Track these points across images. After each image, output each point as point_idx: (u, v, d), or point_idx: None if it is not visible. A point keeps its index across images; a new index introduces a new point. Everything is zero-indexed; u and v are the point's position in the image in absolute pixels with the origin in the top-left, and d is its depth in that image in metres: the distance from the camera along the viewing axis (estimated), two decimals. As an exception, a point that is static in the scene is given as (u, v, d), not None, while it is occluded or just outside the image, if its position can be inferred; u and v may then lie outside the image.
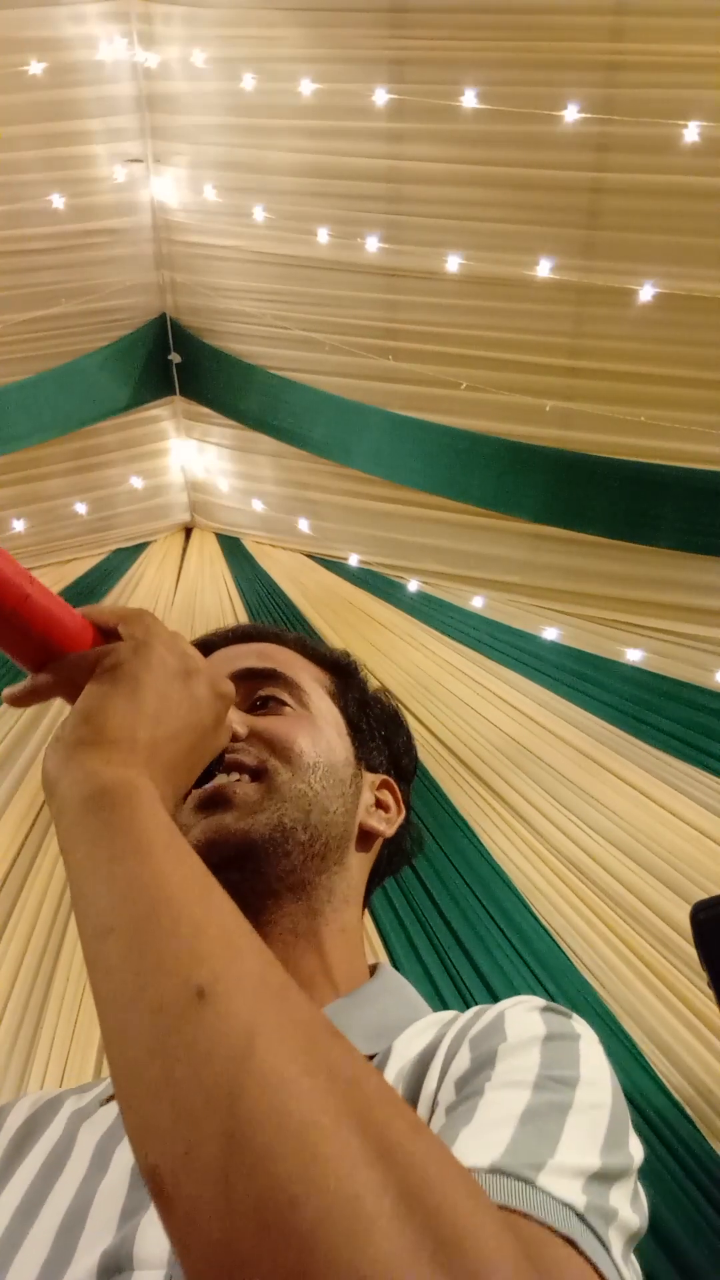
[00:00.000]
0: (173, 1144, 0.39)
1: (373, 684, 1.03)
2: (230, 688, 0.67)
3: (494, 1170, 0.48)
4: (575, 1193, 0.48)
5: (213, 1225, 0.37)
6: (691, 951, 2.24)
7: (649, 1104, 2.63)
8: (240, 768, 0.80)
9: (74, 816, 0.52)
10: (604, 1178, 0.51)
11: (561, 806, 3.26)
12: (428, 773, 3.38)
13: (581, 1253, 0.45)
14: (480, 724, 3.51)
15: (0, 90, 3.01)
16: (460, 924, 3.07)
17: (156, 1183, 0.39)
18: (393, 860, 0.96)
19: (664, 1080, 2.69)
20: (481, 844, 3.27)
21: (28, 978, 3.10)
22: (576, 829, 3.20)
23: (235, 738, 0.81)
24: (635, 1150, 0.57)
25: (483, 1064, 0.59)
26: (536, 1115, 0.53)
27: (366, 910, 0.92)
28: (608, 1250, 0.47)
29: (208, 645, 0.97)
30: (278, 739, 0.82)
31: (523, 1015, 0.64)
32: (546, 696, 3.50)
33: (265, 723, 0.84)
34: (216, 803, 0.78)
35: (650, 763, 3.23)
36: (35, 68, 2.98)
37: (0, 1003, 3.04)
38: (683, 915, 2.54)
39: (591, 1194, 0.49)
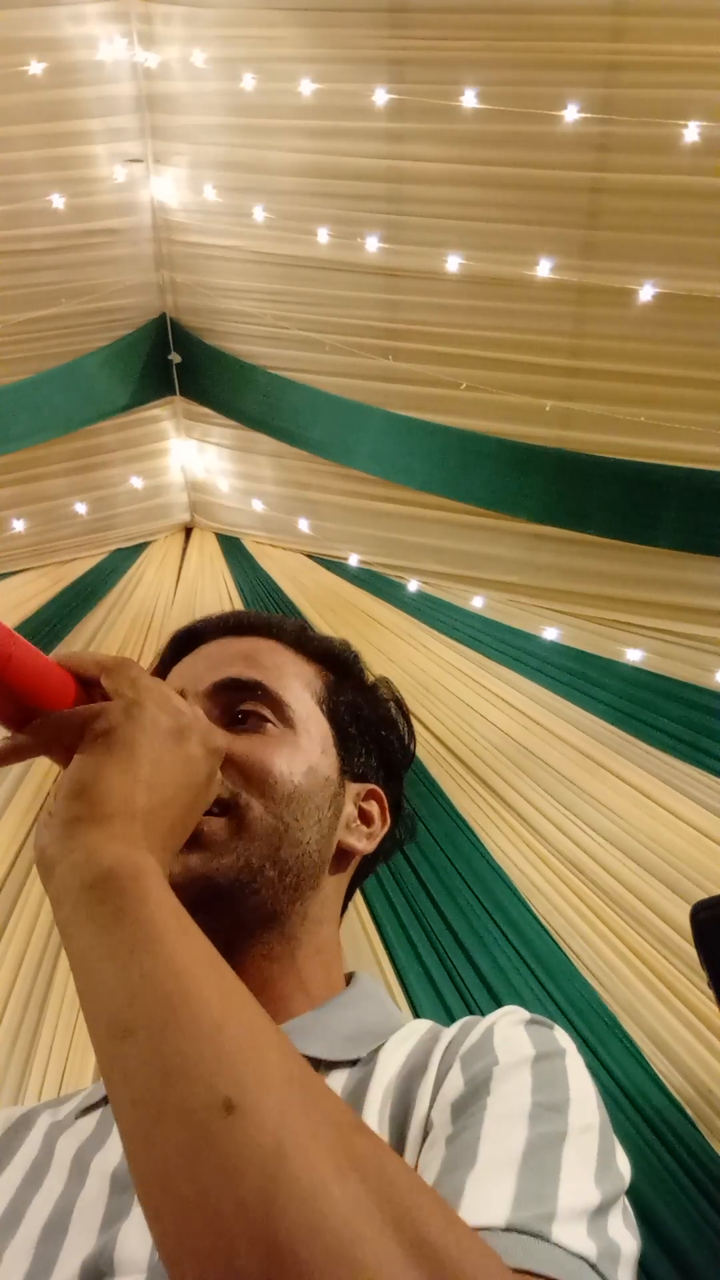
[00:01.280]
0: (211, 1263, 0.39)
1: (372, 676, 1.00)
2: (223, 742, 0.66)
3: (509, 1229, 0.49)
4: (584, 1240, 0.50)
5: None
6: (691, 951, 2.24)
7: (649, 1104, 2.63)
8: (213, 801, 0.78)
9: (77, 902, 0.50)
10: (603, 1210, 0.53)
11: (561, 806, 3.26)
12: (428, 773, 3.38)
13: None
14: (480, 724, 3.51)
15: (0, 90, 3.01)
16: (460, 924, 3.07)
17: None
18: (375, 861, 0.94)
19: (664, 1080, 2.69)
20: (481, 844, 3.27)
21: (27, 978, 3.09)
22: (576, 829, 3.20)
23: None
24: (624, 1167, 0.59)
25: (477, 1090, 0.60)
26: (535, 1152, 0.54)
27: (364, 906, 0.92)
28: None
29: (196, 634, 0.94)
30: (253, 767, 0.79)
31: (509, 1032, 0.65)
32: (546, 696, 3.50)
33: (242, 746, 0.80)
34: (187, 845, 0.76)
35: (650, 763, 3.23)
36: (35, 68, 2.97)
37: (0, 1003, 3.04)
38: (683, 915, 2.54)
39: (597, 1236, 0.51)
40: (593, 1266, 0.49)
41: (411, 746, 1.00)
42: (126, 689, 0.61)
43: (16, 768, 3.48)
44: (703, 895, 2.15)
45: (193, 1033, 0.44)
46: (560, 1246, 0.48)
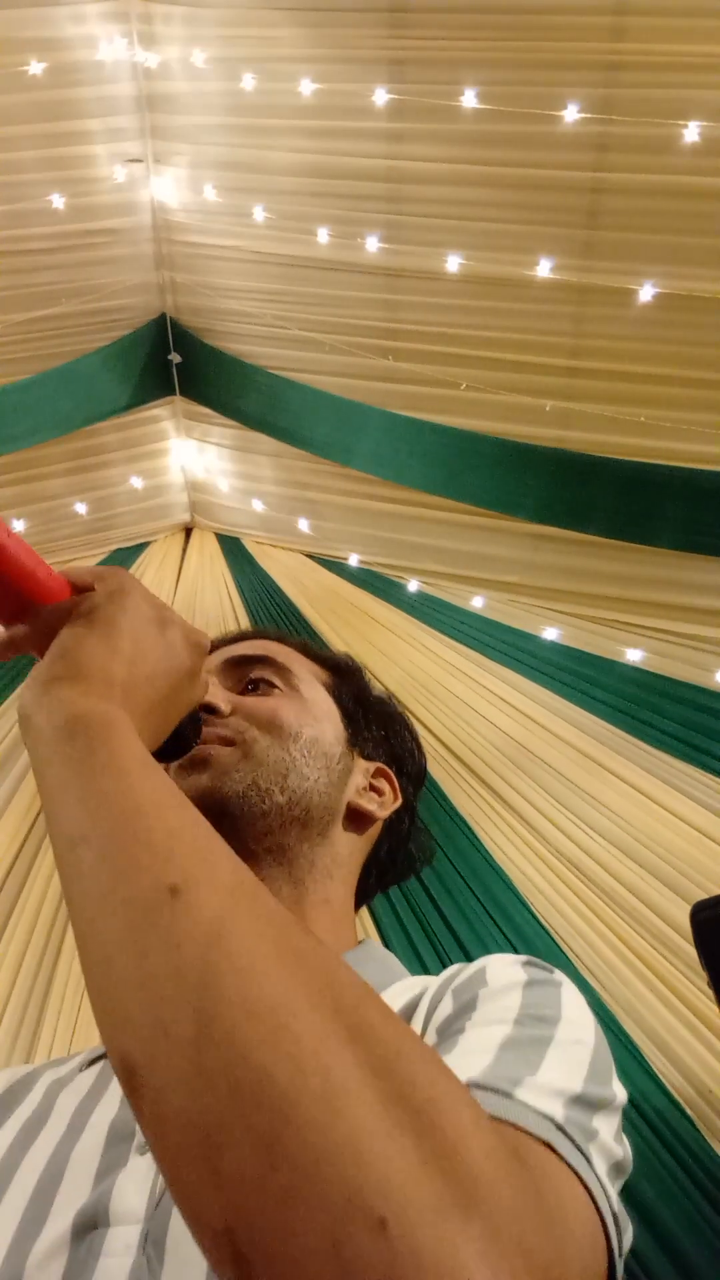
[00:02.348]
0: (144, 1028, 0.39)
1: (377, 689, 1.04)
2: (205, 639, 0.67)
3: (470, 1084, 0.48)
4: (554, 1107, 0.48)
5: (184, 1100, 0.37)
6: (691, 951, 2.24)
7: (649, 1104, 2.63)
8: (219, 740, 0.81)
9: (49, 743, 0.51)
10: (585, 1103, 0.51)
11: (561, 806, 3.26)
12: (427, 773, 3.38)
13: (561, 1157, 0.45)
14: (480, 724, 3.51)
15: (0, 90, 3.01)
16: (460, 924, 3.07)
17: (128, 1067, 0.39)
18: (395, 858, 0.97)
19: (664, 1080, 2.69)
20: (481, 844, 3.27)
21: (28, 978, 3.09)
22: (576, 829, 3.20)
23: (219, 713, 0.83)
24: (619, 1090, 0.57)
25: (464, 1009, 0.60)
26: (516, 1044, 0.54)
27: (365, 907, 0.93)
28: (588, 1161, 0.46)
29: (213, 648, 0.98)
30: (260, 712, 0.84)
31: (505, 966, 0.65)
32: (546, 696, 3.50)
33: (250, 701, 0.86)
34: (195, 766, 0.79)
35: (650, 763, 3.23)
36: (35, 68, 2.98)
37: (0, 1003, 3.04)
38: (683, 915, 2.54)
39: (571, 1111, 0.49)
40: (559, 1126, 0.46)
41: (421, 759, 1.05)
42: (114, 583, 0.64)
43: (17, 768, 3.48)
44: (703, 895, 2.15)
45: (146, 839, 0.45)
46: (523, 1103, 0.47)
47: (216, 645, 0.99)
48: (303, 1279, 0.33)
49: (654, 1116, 2.61)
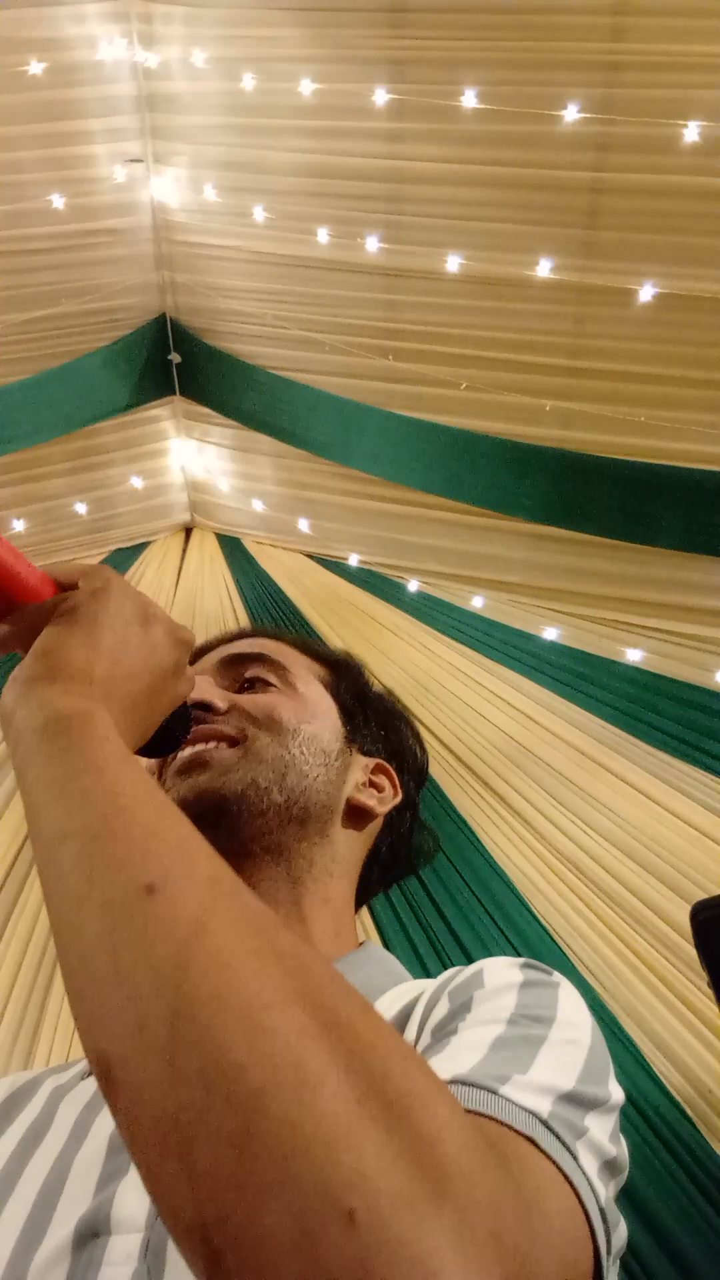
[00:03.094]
0: (120, 1026, 0.39)
1: (377, 686, 1.04)
2: (190, 635, 0.67)
3: (455, 1081, 0.48)
4: (540, 1103, 0.48)
5: (159, 1097, 0.37)
6: (691, 951, 2.24)
7: (649, 1104, 2.63)
8: (218, 737, 0.81)
9: (28, 742, 0.51)
10: (577, 1101, 0.51)
11: (561, 806, 3.26)
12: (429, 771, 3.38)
13: (544, 1152, 0.45)
14: (480, 724, 3.51)
15: (0, 90, 3.01)
16: (460, 924, 3.07)
17: (104, 1066, 0.39)
18: (396, 854, 0.96)
19: (664, 1080, 2.69)
20: (481, 844, 3.27)
21: (28, 978, 3.09)
22: (576, 829, 3.20)
23: (215, 711, 0.83)
24: (615, 1090, 0.57)
25: (459, 1009, 0.60)
26: (508, 1043, 0.53)
27: (365, 906, 0.92)
28: (574, 1157, 0.46)
29: (209, 647, 0.98)
30: (257, 709, 0.84)
31: (502, 968, 0.65)
32: (546, 696, 3.50)
33: (247, 698, 0.86)
34: (194, 766, 0.79)
35: (650, 763, 3.23)
36: (35, 68, 2.98)
37: (0, 1003, 3.04)
38: (683, 915, 2.54)
39: (559, 1107, 0.48)
40: (544, 1122, 0.46)
41: (422, 756, 1.04)
42: (97, 581, 0.63)
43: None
44: (703, 895, 2.15)
45: (124, 837, 0.45)
46: (508, 1099, 0.47)
47: (213, 645, 0.98)
48: (274, 1271, 0.33)
49: (654, 1116, 2.61)
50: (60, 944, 0.44)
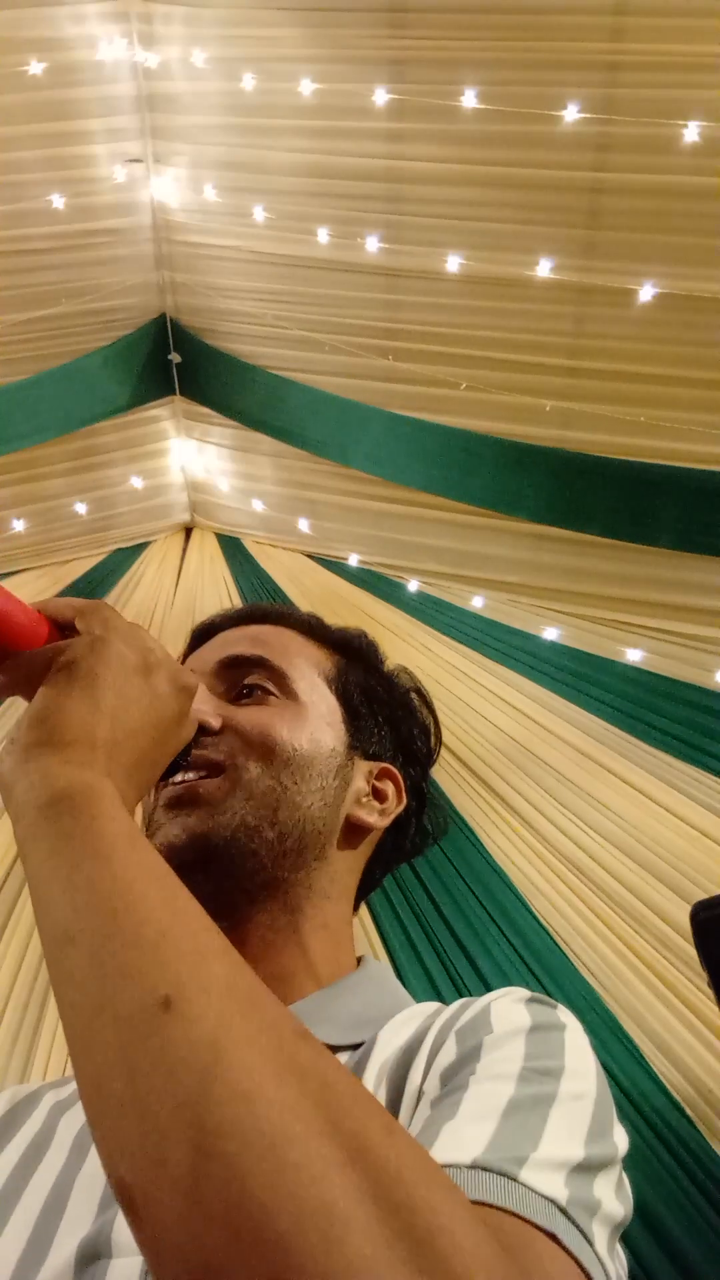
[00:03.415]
0: (141, 1158, 0.38)
1: (390, 665, 1.00)
2: (192, 680, 0.65)
3: (475, 1166, 0.48)
4: (558, 1186, 0.48)
5: (184, 1237, 0.37)
6: (691, 951, 2.24)
7: (649, 1104, 2.63)
8: (208, 765, 0.78)
9: (31, 821, 0.50)
10: (587, 1169, 0.51)
11: (561, 806, 3.26)
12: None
13: (564, 1248, 0.45)
14: (480, 724, 3.51)
15: (0, 90, 3.01)
16: (460, 924, 3.07)
17: (127, 1197, 0.39)
18: (400, 847, 0.93)
19: (664, 1080, 2.69)
20: (481, 844, 3.27)
21: (28, 978, 3.10)
22: (576, 829, 3.20)
23: (209, 731, 0.79)
24: (620, 1140, 0.57)
25: (468, 1057, 0.59)
26: (519, 1108, 0.53)
27: (363, 905, 0.91)
28: (591, 1244, 0.47)
29: (211, 628, 0.96)
30: (252, 732, 0.80)
31: (508, 1007, 0.64)
32: (546, 696, 3.50)
33: (243, 715, 0.82)
34: (183, 802, 0.76)
35: (650, 763, 3.23)
36: (35, 68, 2.97)
37: (0, 1003, 3.04)
38: (683, 915, 2.54)
39: (574, 1187, 0.49)
40: (562, 1210, 0.46)
41: (436, 735, 0.99)
42: (97, 628, 0.61)
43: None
44: (703, 895, 2.15)
45: (134, 939, 0.44)
46: (528, 1186, 0.47)
47: (215, 625, 0.95)
48: None
49: (654, 1116, 2.61)
50: (75, 1056, 0.43)
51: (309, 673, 0.88)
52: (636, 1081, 2.67)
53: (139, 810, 0.69)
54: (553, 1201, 0.47)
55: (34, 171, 3.25)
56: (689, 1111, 2.64)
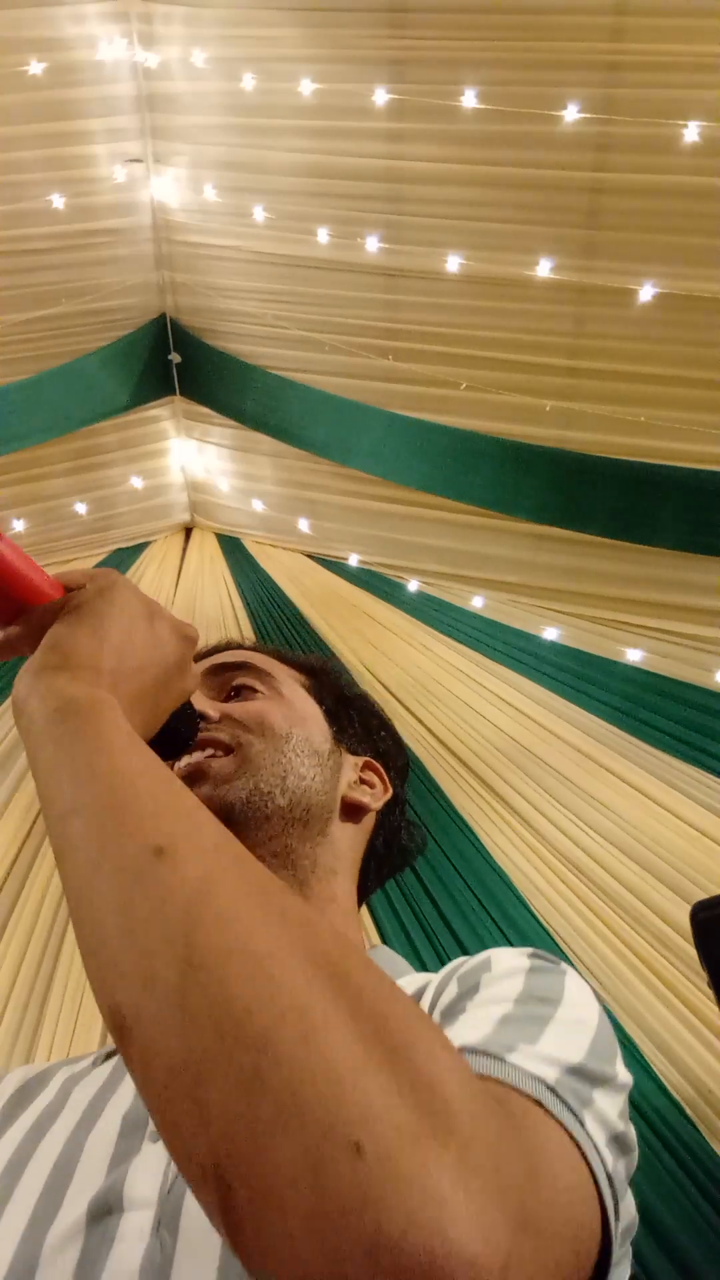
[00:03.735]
0: (133, 979, 0.41)
1: (355, 690, 1.06)
2: (194, 631, 0.69)
3: (463, 1049, 0.49)
4: (548, 1071, 0.48)
5: (171, 1043, 0.38)
6: (691, 951, 2.24)
7: (649, 1104, 2.63)
8: (214, 744, 0.83)
9: (41, 728, 0.53)
10: (583, 1074, 0.51)
11: (561, 806, 3.26)
12: (428, 773, 3.38)
13: (548, 1112, 0.45)
14: (480, 724, 3.51)
15: (0, 90, 3.01)
16: (459, 924, 3.07)
17: (117, 1018, 0.41)
18: (390, 848, 0.98)
19: (664, 1080, 2.69)
20: (481, 844, 3.27)
21: (28, 978, 3.09)
22: (576, 829, 3.20)
23: (208, 719, 0.84)
24: (623, 1072, 0.58)
25: (467, 992, 0.61)
26: (516, 1019, 0.54)
27: (365, 906, 0.93)
28: (581, 1124, 0.46)
29: (194, 659, 1.00)
30: (249, 717, 0.86)
31: (509, 955, 0.67)
32: (546, 696, 3.50)
33: (238, 707, 0.88)
34: (194, 779, 0.81)
35: (650, 763, 3.23)
36: (35, 68, 2.97)
37: (0, 1003, 3.04)
38: (683, 915, 2.54)
39: (566, 1078, 0.49)
40: (551, 1089, 0.47)
41: (403, 752, 1.06)
42: (103, 580, 0.65)
43: (17, 768, 3.49)
44: (703, 895, 2.15)
45: (133, 808, 0.47)
46: (515, 1065, 0.47)
47: (197, 657, 1.00)
48: (284, 1203, 0.34)
49: (654, 1116, 2.61)
50: (75, 911, 0.45)
51: (288, 679, 0.95)
52: (636, 1082, 2.66)
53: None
54: (541, 1080, 0.47)
55: (34, 171, 3.25)
56: (689, 1112, 2.63)
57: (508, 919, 3.07)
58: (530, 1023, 0.54)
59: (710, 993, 2.10)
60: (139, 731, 0.59)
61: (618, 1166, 0.49)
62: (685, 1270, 2.30)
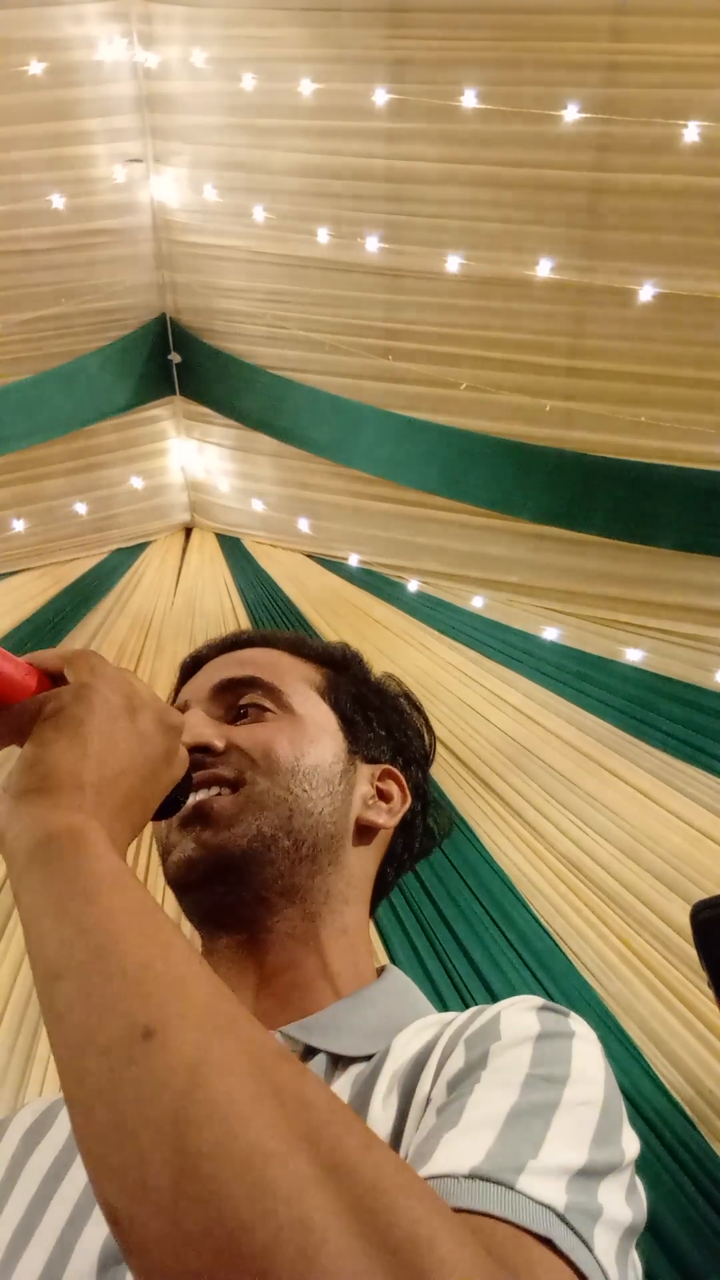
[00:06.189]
0: (125, 1182, 0.40)
1: (376, 673, 1.02)
2: (179, 719, 0.67)
3: (472, 1176, 0.48)
4: (556, 1193, 0.48)
5: (167, 1257, 0.38)
6: (691, 951, 2.24)
7: (649, 1104, 2.63)
8: (217, 781, 0.80)
9: (22, 864, 0.52)
10: (590, 1174, 0.51)
11: (561, 806, 3.26)
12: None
13: (560, 1253, 0.45)
14: (480, 724, 3.51)
15: (0, 90, 3.01)
16: (460, 924, 3.07)
17: (114, 1220, 0.40)
18: (410, 847, 0.95)
19: (664, 1080, 2.69)
20: (481, 844, 3.27)
21: (28, 979, 3.09)
22: (576, 829, 3.20)
23: (213, 751, 0.81)
24: (629, 1145, 0.57)
25: (474, 1065, 0.60)
26: (521, 1115, 0.53)
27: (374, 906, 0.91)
28: (590, 1248, 0.47)
29: (199, 659, 0.97)
30: (255, 748, 0.82)
31: (519, 1015, 0.65)
32: (546, 696, 3.50)
33: (243, 733, 0.84)
34: (196, 820, 0.78)
35: (650, 763, 3.23)
36: (35, 68, 2.97)
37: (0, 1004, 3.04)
38: (683, 915, 2.54)
39: (575, 1192, 0.49)
40: (560, 1216, 0.47)
41: (429, 737, 1.01)
42: (83, 675, 0.63)
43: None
44: (703, 895, 2.15)
45: (118, 973, 0.45)
46: (524, 1194, 0.47)
47: (203, 656, 0.97)
48: None
49: (654, 1117, 2.61)
50: (65, 1089, 0.44)
51: (301, 687, 0.90)
52: (636, 1082, 2.67)
53: (141, 843, 0.70)
54: (550, 1208, 0.47)
55: (34, 171, 3.25)
56: (689, 1112, 2.64)
57: (508, 919, 3.07)
58: (535, 1117, 0.53)
59: (710, 993, 2.10)
60: (127, 839, 0.58)
61: (633, 1254, 0.50)
62: (685, 1270, 2.30)
